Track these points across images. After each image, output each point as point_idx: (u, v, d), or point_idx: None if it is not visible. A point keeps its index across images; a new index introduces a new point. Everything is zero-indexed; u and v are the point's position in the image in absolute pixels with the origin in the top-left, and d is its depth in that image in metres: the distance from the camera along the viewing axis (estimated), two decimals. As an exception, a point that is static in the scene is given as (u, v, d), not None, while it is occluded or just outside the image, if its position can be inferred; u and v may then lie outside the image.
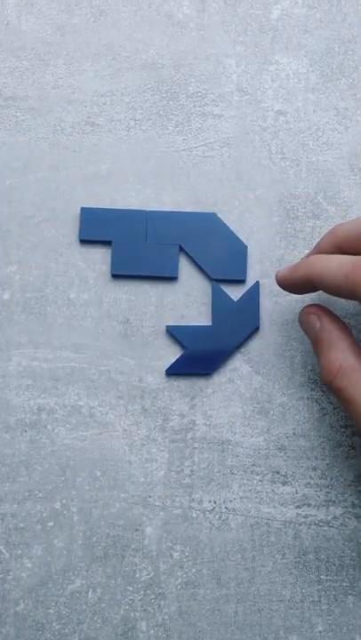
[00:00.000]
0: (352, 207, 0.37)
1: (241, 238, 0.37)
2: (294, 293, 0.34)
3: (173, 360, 0.36)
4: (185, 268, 0.37)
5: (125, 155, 0.38)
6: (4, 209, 0.37)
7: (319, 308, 0.33)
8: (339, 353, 0.32)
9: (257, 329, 0.36)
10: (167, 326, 0.36)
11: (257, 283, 0.36)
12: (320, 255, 0.32)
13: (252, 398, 0.36)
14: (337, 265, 0.30)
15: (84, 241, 0.37)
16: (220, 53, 0.39)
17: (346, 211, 0.37)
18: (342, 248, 0.32)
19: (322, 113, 0.39)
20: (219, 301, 0.36)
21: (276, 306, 0.37)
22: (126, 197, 0.37)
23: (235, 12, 0.39)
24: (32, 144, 0.38)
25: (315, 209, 0.37)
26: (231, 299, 0.36)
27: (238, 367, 0.36)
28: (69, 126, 0.38)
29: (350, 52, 0.39)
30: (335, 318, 0.33)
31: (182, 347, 0.36)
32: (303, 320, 0.34)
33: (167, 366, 0.36)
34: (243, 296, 0.36)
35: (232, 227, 0.37)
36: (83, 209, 0.37)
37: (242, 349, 0.36)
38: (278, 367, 0.36)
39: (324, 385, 0.34)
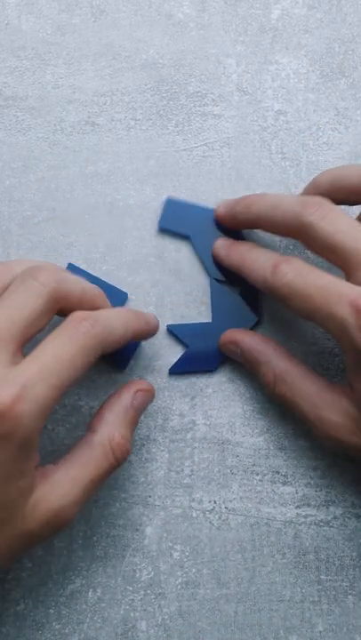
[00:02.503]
0: (352, 207, 0.37)
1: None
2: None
3: (174, 359, 0.36)
4: (186, 267, 0.37)
5: (125, 155, 0.38)
6: (3, 209, 0.37)
7: (233, 333, 0.35)
8: (266, 365, 0.33)
9: (257, 323, 0.36)
10: (168, 326, 0.36)
11: None
12: (252, 246, 0.34)
13: (252, 398, 0.36)
14: (260, 264, 0.32)
15: (162, 230, 0.37)
16: (220, 53, 0.39)
17: (346, 210, 0.37)
18: (326, 197, 0.33)
19: (322, 113, 0.39)
20: (218, 298, 0.36)
21: (276, 304, 0.37)
22: (126, 197, 0.37)
23: (235, 11, 0.39)
24: (32, 144, 0.38)
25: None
26: (231, 295, 0.36)
27: (238, 367, 0.36)
28: (69, 126, 0.38)
29: (350, 52, 0.39)
30: (253, 336, 0.34)
31: (184, 346, 0.36)
32: (225, 350, 0.35)
33: (167, 365, 0.36)
34: (243, 290, 0.36)
35: (232, 227, 0.37)
36: (168, 200, 0.37)
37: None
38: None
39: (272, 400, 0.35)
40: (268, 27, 0.39)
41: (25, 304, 0.28)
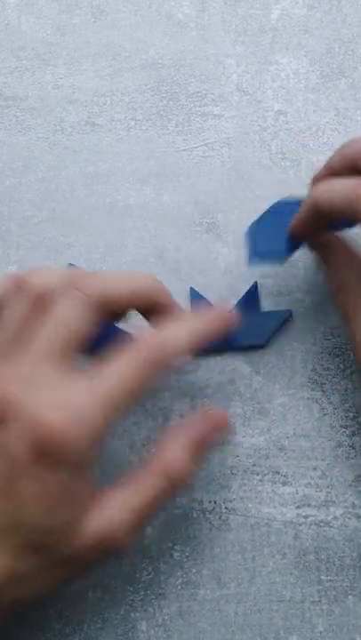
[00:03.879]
0: (352, 207, 0.37)
1: (241, 238, 0.37)
2: (309, 241, 0.32)
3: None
4: (186, 267, 0.37)
5: (125, 155, 0.38)
6: (3, 209, 0.37)
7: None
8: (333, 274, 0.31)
9: (262, 346, 0.36)
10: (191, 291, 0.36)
11: (255, 283, 0.36)
12: (322, 182, 0.30)
13: (252, 398, 0.36)
14: (340, 188, 0.28)
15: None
16: (220, 53, 0.39)
17: None
18: (355, 167, 0.30)
19: (322, 113, 0.39)
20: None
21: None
22: (126, 197, 0.37)
23: (235, 11, 0.40)
24: (32, 144, 0.38)
25: (315, 209, 0.37)
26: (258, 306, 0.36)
27: (238, 367, 0.36)
28: (69, 126, 0.38)
29: (350, 52, 0.39)
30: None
31: None
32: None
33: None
34: (241, 299, 0.36)
35: (232, 227, 0.37)
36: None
37: (242, 349, 0.36)
38: (278, 367, 0.36)
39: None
40: (267, 27, 0.39)
41: (70, 316, 0.27)
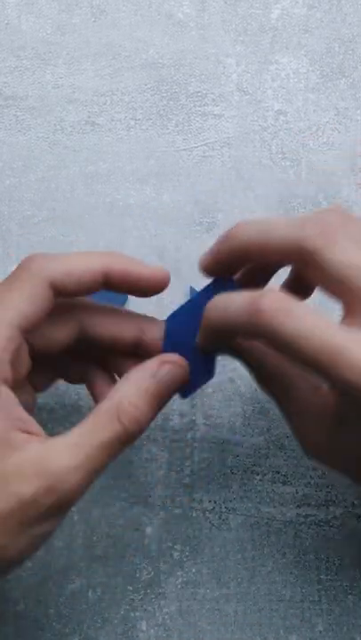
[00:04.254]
0: (352, 207, 0.37)
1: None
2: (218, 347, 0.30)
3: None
4: (186, 267, 0.37)
5: (125, 154, 0.38)
6: (4, 208, 0.37)
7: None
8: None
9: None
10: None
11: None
12: (214, 299, 0.27)
13: (252, 398, 0.36)
14: (235, 308, 0.26)
15: None
16: (220, 53, 0.39)
17: (346, 211, 0.37)
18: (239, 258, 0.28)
19: (322, 113, 0.39)
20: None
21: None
22: (126, 197, 0.37)
23: (235, 11, 0.39)
24: (32, 144, 0.38)
25: (315, 209, 0.37)
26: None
27: (238, 367, 0.36)
28: (69, 126, 0.38)
29: (350, 52, 0.39)
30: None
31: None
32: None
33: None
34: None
35: (232, 226, 0.37)
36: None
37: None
38: (278, 367, 0.36)
39: None
40: (267, 26, 0.39)
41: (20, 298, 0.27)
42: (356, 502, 0.35)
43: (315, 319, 0.24)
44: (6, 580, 0.34)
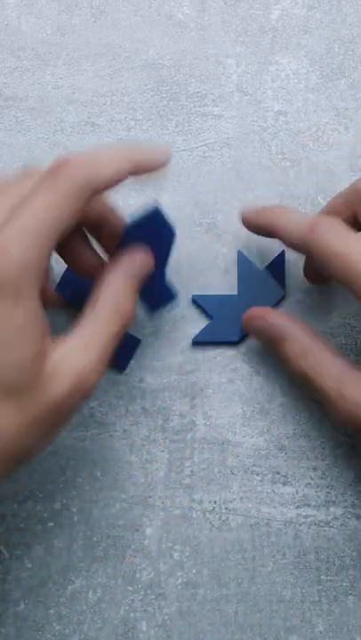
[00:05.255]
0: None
1: (241, 238, 0.37)
2: (257, 234, 0.34)
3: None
4: (186, 267, 0.37)
5: (125, 155, 0.38)
6: (4, 209, 0.37)
7: (260, 309, 0.34)
8: (293, 340, 0.32)
9: (283, 297, 0.36)
10: (193, 296, 0.36)
11: (283, 252, 0.36)
12: (286, 209, 0.33)
13: (252, 398, 0.36)
14: (296, 223, 0.31)
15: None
16: (220, 53, 0.39)
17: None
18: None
19: (322, 113, 0.39)
20: (244, 271, 0.36)
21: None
22: (126, 197, 0.37)
23: (235, 12, 0.40)
24: (32, 144, 0.38)
25: (315, 209, 0.37)
26: (257, 269, 0.36)
27: (238, 367, 0.36)
28: (69, 126, 0.38)
29: (350, 52, 0.39)
30: (280, 313, 0.34)
31: (208, 317, 0.36)
32: (249, 326, 0.34)
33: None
34: (269, 264, 0.36)
35: (232, 227, 0.37)
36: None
37: (242, 349, 0.36)
38: (278, 367, 0.36)
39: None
40: (267, 27, 0.39)
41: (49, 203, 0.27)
42: (356, 502, 0.35)
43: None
44: (6, 581, 0.34)
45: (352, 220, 0.32)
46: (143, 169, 0.30)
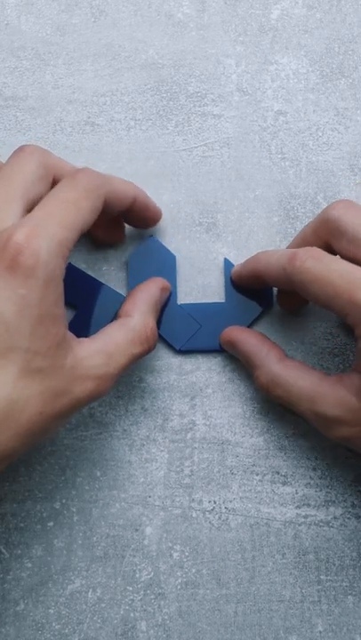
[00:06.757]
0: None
1: (241, 238, 0.37)
2: (250, 287, 0.35)
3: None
4: (186, 267, 0.37)
5: (125, 155, 0.38)
6: (3, 209, 0.37)
7: (233, 331, 0.35)
8: (260, 369, 0.33)
9: (270, 305, 0.36)
10: (181, 304, 0.36)
11: None
12: (266, 251, 0.34)
13: (252, 398, 0.36)
14: (276, 259, 0.32)
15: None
16: (220, 53, 0.39)
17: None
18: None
19: (322, 113, 0.39)
20: (231, 278, 0.36)
21: (274, 306, 0.37)
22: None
23: (235, 12, 0.39)
24: (32, 143, 0.38)
25: (315, 209, 0.37)
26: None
27: (238, 367, 0.36)
28: (69, 126, 0.38)
29: (350, 52, 0.39)
30: (249, 336, 0.34)
31: (196, 324, 0.36)
32: (225, 348, 0.36)
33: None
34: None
35: (232, 227, 0.37)
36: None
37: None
38: (278, 367, 0.36)
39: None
40: (267, 27, 0.39)
41: (20, 170, 0.30)
42: (356, 502, 0.35)
43: (341, 263, 0.29)
44: (6, 581, 0.34)
45: (325, 249, 0.32)
46: (141, 206, 0.34)
